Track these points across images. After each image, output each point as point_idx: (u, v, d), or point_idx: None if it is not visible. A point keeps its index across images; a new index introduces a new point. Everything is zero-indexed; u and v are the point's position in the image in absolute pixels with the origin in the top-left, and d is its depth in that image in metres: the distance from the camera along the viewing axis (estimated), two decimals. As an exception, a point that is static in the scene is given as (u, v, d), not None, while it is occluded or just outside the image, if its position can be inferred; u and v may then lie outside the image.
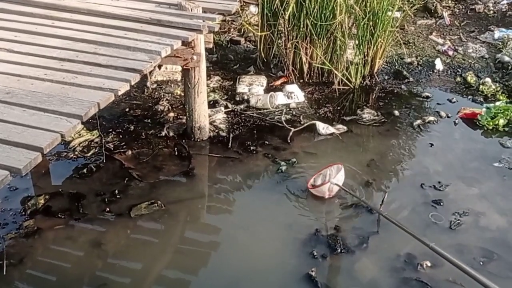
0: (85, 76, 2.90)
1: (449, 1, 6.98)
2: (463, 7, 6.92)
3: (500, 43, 5.95)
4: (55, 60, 3.07)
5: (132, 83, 2.88)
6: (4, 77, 2.85)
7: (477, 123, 4.70)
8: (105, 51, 3.20)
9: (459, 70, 5.66)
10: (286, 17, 5.03)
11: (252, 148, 4.31)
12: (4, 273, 3.01)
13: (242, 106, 4.92)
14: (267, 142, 4.40)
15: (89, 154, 4.13)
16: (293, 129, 4.51)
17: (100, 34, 3.44)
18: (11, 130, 2.36)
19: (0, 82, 2.79)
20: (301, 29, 5.04)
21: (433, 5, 6.69)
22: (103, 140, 4.23)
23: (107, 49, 3.24)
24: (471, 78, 5.45)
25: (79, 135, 4.27)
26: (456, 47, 6.01)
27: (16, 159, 2.16)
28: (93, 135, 4.32)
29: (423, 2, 6.45)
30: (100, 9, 3.85)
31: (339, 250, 3.26)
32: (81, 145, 4.21)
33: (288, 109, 4.90)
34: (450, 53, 5.90)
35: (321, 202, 3.75)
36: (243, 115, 4.79)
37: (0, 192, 3.53)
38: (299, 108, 4.95)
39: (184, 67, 4.05)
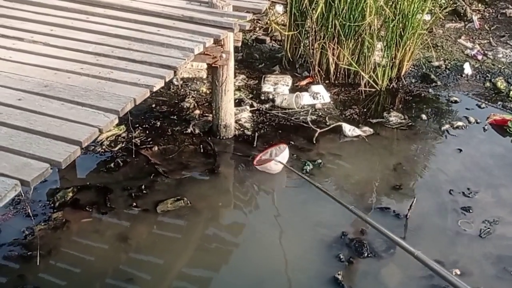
0: (121, 71, 2.91)
1: (479, 5, 6.86)
2: (493, 11, 6.79)
3: (531, 49, 5.84)
4: (90, 54, 3.10)
5: (167, 80, 2.89)
6: (41, 70, 2.89)
7: (507, 130, 4.61)
8: (139, 47, 3.22)
9: (489, 75, 5.56)
10: (314, 17, 5.00)
11: (277, 147, 4.29)
12: (38, 264, 3.05)
13: (267, 105, 4.91)
14: (292, 142, 4.38)
15: (116, 149, 4.16)
16: (319, 130, 4.48)
17: (133, 30, 3.46)
18: (50, 123, 2.39)
19: (38, 75, 2.83)
20: (329, 30, 5.01)
21: (462, 9, 6.58)
22: (133, 135, 4.26)
23: (141, 45, 3.25)
24: (501, 83, 5.35)
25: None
26: (486, 52, 5.90)
27: (56, 152, 2.18)
28: (120, 130, 4.35)
29: (454, 6, 6.35)
30: (132, 5, 3.87)
31: (365, 254, 3.23)
32: (108, 139, 4.25)
33: (313, 110, 4.88)
34: (479, 57, 5.80)
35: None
36: (268, 114, 4.78)
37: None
38: (325, 109, 4.92)
39: (213, 64, 4.05)
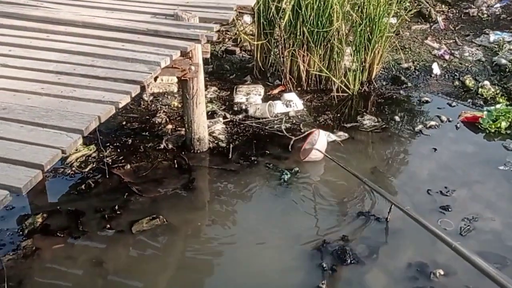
0: (84, 89, 2.81)
1: (443, 6, 7.00)
2: (457, 11, 6.94)
3: (496, 46, 5.96)
4: (51, 73, 2.98)
5: (133, 95, 2.80)
6: (-1, 92, 2.76)
7: (479, 126, 4.67)
8: (103, 63, 3.12)
9: (457, 74, 5.65)
10: (282, 25, 4.99)
11: (253, 158, 4.23)
12: (5, 296, 2.90)
13: (240, 116, 4.85)
14: (268, 152, 4.33)
15: (86, 170, 4.03)
16: (294, 138, 4.44)
17: (96, 46, 3.36)
18: (9, 147, 2.26)
19: (-5, 98, 2.69)
20: (297, 37, 5.01)
21: (427, 10, 6.71)
22: (104, 154, 4.13)
23: (104, 61, 3.15)
24: (469, 81, 5.44)
25: (76, 150, 4.16)
26: (452, 51, 6.01)
27: (16, 177, 2.06)
28: (90, 150, 4.21)
29: (419, 7, 6.47)
30: (95, 21, 3.77)
31: (348, 261, 3.18)
32: (78, 160, 4.11)
33: (287, 118, 4.85)
34: (447, 57, 5.89)
35: (328, 212, 3.68)
36: (242, 125, 4.72)
37: (-3, 212, 3.42)
38: (299, 116, 4.90)
39: (182, 78, 3.97)
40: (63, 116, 2.50)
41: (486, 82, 5.36)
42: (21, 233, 3.40)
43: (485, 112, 4.73)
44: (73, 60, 3.15)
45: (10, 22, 3.72)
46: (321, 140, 4.15)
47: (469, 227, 3.44)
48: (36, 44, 3.38)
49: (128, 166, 4.07)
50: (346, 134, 4.57)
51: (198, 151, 4.28)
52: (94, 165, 4.07)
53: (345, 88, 5.22)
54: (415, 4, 6.40)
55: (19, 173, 2.08)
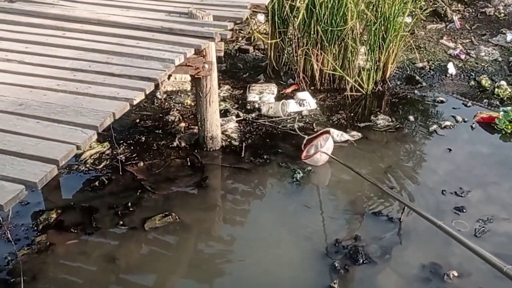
0: (99, 86, 2.83)
1: (459, 5, 6.92)
2: (473, 10, 6.85)
3: (513, 46, 5.88)
4: (67, 70, 3.01)
5: (147, 92, 2.81)
6: (16, 88, 2.79)
7: (495, 127, 4.61)
8: (118, 61, 3.14)
9: (473, 74, 5.57)
10: (296, 24, 4.98)
11: (265, 156, 4.22)
12: (21, 290, 2.93)
13: (253, 115, 4.85)
14: (280, 151, 4.32)
15: (100, 167, 4.06)
16: (307, 137, 4.42)
17: (112, 44, 3.39)
18: (25, 142, 2.29)
19: (12, 94, 2.73)
20: (311, 36, 4.99)
21: (442, 9, 6.63)
22: (117, 152, 4.16)
23: (119, 58, 3.17)
24: (485, 81, 5.37)
25: (90, 147, 4.19)
26: (468, 51, 5.93)
27: (31, 172, 2.08)
28: (104, 147, 4.25)
29: (434, 6, 6.40)
30: (110, 19, 3.80)
31: (361, 261, 3.15)
32: (92, 157, 4.14)
33: (300, 117, 4.83)
34: (462, 56, 5.82)
35: (340, 211, 3.65)
36: (255, 124, 4.72)
37: (12, 207, 3.45)
38: (312, 116, 4.88)
39: (196, 76, 3.98)
40: (79, 112, 2.52)
41: (503, 82, 5.28)
42: (35, 228, 3.44)
43: (502, 113, 4.66)
44: (88, 57, 3.18)
45: (27, 20, 3.78)
46: (328, 145, 4.14)
47: (484, 228, 3.39)
48: (52, 42, 3.42)
49: (141, 164, 4.09)
50: (360, 134, 4.54)
51: (211, 149, 4.29)
52: (107, 162, 4.10)
53: (359, 88, 5.19)
54: (431, 3, 6.33)
55: (35, 168, 2.11)
